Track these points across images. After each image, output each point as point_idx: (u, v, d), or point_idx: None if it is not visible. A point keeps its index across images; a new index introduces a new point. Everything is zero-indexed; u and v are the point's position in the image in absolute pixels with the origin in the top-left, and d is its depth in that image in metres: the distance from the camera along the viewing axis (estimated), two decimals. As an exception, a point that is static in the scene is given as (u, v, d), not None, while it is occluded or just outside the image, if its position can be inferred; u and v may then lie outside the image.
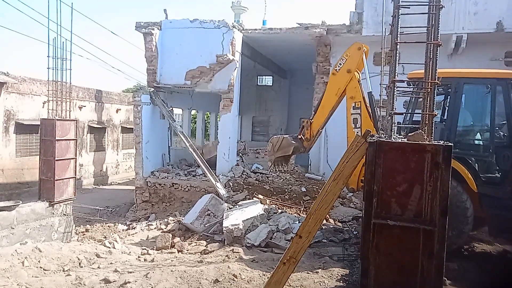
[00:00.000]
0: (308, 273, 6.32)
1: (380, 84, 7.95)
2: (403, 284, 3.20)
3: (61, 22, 10.87)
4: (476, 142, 7.19)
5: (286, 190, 12.45)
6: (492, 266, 6.53)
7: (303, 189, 12.53)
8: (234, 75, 13.68)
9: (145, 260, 8.14)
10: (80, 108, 18.27)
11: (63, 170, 10.88)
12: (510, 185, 6.49)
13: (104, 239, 10.24)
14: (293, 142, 8.74)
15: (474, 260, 6.84)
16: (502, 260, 7.05)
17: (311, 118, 8.74)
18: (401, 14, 3.75)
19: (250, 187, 12.60)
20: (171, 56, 13.97)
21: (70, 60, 11.15)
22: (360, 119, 7.81)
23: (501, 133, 6.91)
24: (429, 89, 3.49)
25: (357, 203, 11.52)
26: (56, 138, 10.55)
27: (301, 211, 10.92)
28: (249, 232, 8.70)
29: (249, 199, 11.47)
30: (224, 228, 8.80)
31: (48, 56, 10.83)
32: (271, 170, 13.04)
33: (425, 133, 3.41)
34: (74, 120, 11.46)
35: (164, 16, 14.39)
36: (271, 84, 24.61)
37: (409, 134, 3.44)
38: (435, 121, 3.69)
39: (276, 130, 23.43)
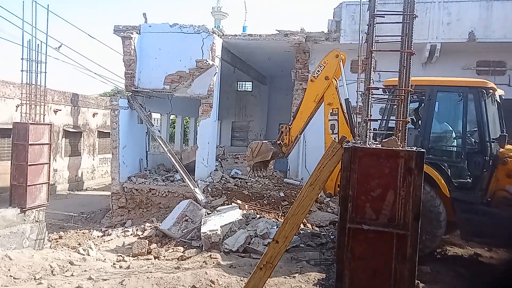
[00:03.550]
0: (285, 277, 6.34)
1: (357, 91, 8.08)
2: (377, 287, 3.24)
3: (36, 24, 10.64)
4: (449, 148, 7.39)
5: (264, 195, 12.46)
6: (464, 269, 6.70)
7: (282, 194, 12.57)
8: (214, 80, 13.66)
9: (120, 267, 7.99)
10: (55, 112, 17.82)
11: (36, 175, 10.57)
12: (481, 190, 6.70)
13: (78, 246, 9.99)
14: (272, 147, 8.78)
15: (446, 263, 7.01)
16: (473, 263, 7.25)
17: (290, 123, 8.81)
18: (376, 23, 3.83)
19: (229, 192, 12.56)
20: (150, 60, 13.84)
21: (45, 63, 10.89)
22: (337, 125, 7.93)
23: (473, 139, 7.14)
24: (402, 97, 3.57)
25: (334, 208, 11.64)
26: (29, 143, 10.25)
27: (280, 216, 10.95)
28: (227, 238, 8.67)
29: (228, 204, 11.43)
30: (202, 234, 8.73)
31: (22, 59, 10.54)
32: (250, 175, 13.03)
33: (398, 139, 3.48)
34: (48, 124, 11.16)
35: (143, 20, 14.27)
36: (250, 90, 24.69)
37: (383, 140, 3.51)
38: (408, 127, 3.78)
39: (255, 136, 23.48)
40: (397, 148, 3.33)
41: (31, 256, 7.86)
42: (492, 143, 6.71)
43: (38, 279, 6.91)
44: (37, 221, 10.80)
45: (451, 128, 7.35)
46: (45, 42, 10.96)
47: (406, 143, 3.54)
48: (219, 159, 16.28)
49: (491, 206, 6.60)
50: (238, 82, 24.54)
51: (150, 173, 14.96)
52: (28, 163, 10.24)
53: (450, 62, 13.08)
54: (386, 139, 3.46)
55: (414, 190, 3.18)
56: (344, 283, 3.26)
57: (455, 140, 7.27)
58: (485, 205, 6.63)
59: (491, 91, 6.92)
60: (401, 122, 3.58)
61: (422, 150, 3.27)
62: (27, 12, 10.51)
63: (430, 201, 6.61)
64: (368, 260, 3.27)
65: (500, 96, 7.32)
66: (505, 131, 7.14)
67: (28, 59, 10.60)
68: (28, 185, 10.28)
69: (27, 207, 10.34)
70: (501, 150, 6.74)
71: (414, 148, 3.35)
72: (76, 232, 11.81)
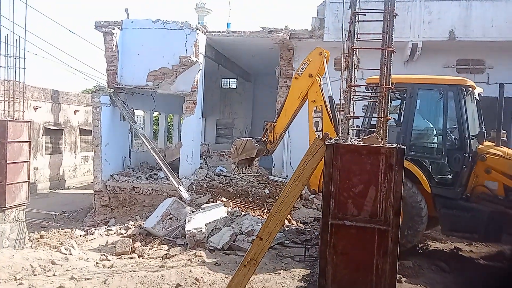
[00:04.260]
0: (270, 274, 6.37)
1: (340, 89, 8.16)
2: (359, 282, 3.29)
3: (14, 19, 10.37)
4: (430, 145, 7.53)
5: (249, 192, 12.47)
6: (444, 263, 6.86)
7: (267, 191, 12.61)
8: (198, 77, 13.57)
9: (103, 266, 7.90)
10: (35, 108, 17.47)
11: (16, 174, 10.35)
12: (461, 186, 6.85)
13: (60, 245, 9.83)
14: (256, 144, 8.78)
15: (428, 257, 7.15)
16: (454, 257, 7.43)
17: (274, 121, 8.83)
18: (358, 21, 3.86)
19: (213, 190, 12.53)
20: (132, 56, 13.65)
21: (24, 58, 10.65)
22: (321, 123, 7.99)
23: (453, 136, 7.29)
24: (383, 94, 3.62)
25: (318, 204, 11.73)
26: (8, 140, 10.02)
27: (265, 213, 10.97)
28: (212, 235, 8.65)
29: (213, 202, 11.39)
30: (186, 232, 8.69)
31: (0, 54, 10.30)
32: (235, 173, 12.98)
33: (380, 136, 3.53)
34: (28, 121, 10.93)
35: (125, 16, 14.05)
36: (235, 87, 24.63)
37: (364, 137, 3.55)
38: (389, 124, 3.83)
39: (240, 133, 23.46)
40: (378, 145, 3.37)
41: (11, 256, 7.69)
42: (471, 140, 6.86)
43: (18, 279, 6.77)
44: (17, 221, 10.58)
45: (432, 125, 7.48)
46: (24, 37, 10.72)
47: (387, 140, 3.59)
48: (204, 157, 16.21)
49: (471, 201, 6.76)
50: (223, 79, 24.44)
51: (133, 171, 14.80)
52: (7, 161, 10.01)
53: (431, 60, 13.30)
54: (368, 136, 3.50)
55: (395, 186, 3.23)
56: (327, 279, 3.29)
57: (436, 137, 7.41)
58: (465, 201, 6.79)
59: (470, 89, 7.08)
60: (382, 119, 3.62)
61: (403, 146, 3.32)
62: (4, 5, 10.26)
63: (412, 197, 6.73)
64: (351, 255, 3.31)
65: (479, 94, 7.50)
66: (483, 128, 7.32)
67: (6, 55, 10.34)
68: (8, 184, 10.06)
69: (6, 206, 10.12)
70: (480, 146, 6.90)
71: (395, 145, 3.40)
72: (58, 232, 11.63)
